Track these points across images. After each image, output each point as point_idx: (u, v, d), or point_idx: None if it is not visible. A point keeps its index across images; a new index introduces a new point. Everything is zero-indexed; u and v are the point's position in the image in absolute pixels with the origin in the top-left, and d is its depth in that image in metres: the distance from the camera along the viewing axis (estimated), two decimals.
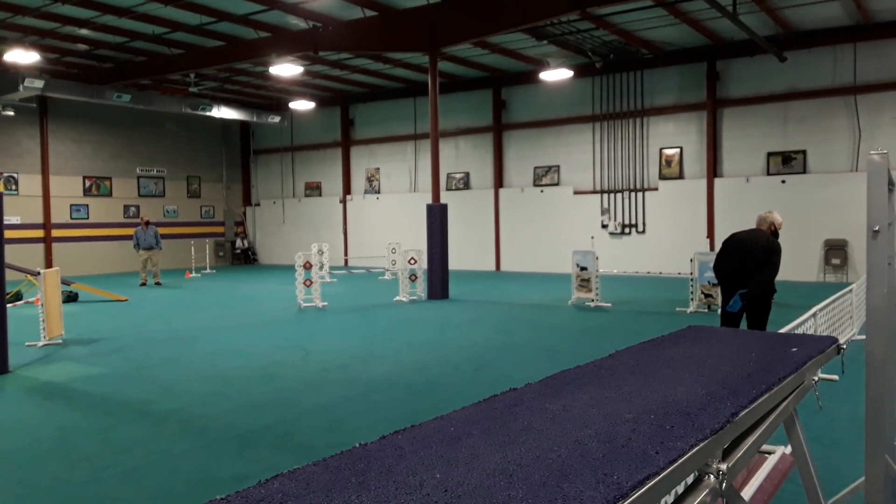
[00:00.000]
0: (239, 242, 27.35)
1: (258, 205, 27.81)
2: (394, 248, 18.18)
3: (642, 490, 1.41)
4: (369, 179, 24.82)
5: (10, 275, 9.00)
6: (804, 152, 17.27)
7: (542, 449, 1.61)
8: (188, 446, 5.27)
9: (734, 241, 6.75)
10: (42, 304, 9.64)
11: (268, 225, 27.54)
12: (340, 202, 25.39)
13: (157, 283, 18.59)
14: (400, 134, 23.80)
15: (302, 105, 22.87)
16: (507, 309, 13.02)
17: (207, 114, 22.27)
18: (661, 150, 19.21)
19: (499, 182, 21.90)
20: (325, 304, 13.42)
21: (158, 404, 6.51)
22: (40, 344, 9.48)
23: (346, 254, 24.74)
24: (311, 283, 13.40)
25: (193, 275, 21.73)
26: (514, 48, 18.14)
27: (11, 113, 20.04)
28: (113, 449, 5.25)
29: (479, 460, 1.54)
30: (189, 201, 26.07)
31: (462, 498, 1.33)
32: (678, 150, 18.98)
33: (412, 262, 14.84)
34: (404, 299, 14.23)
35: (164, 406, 6.44)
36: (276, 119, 24.36)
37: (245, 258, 27.29)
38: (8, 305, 8.55)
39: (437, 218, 14.73)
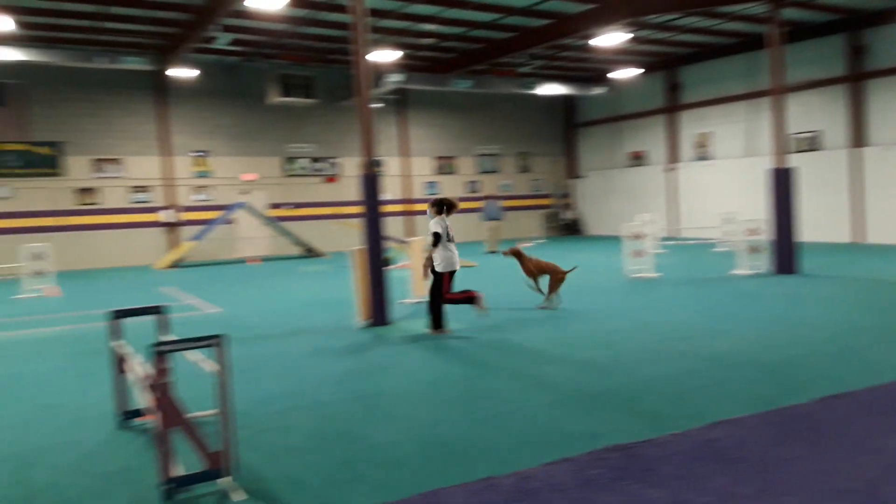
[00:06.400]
0: (566, 214, 28.24)
1: (583, 176, 28.29)
2: (729, 218, 17.02)
3: None
4: (699, 145, 23.48)
5: None
6: None
7: None
8: (542, 400, 5.68)
9: None
10: (410, 268, 11.24)
11: (592, 196, 27.87)
12: (664, 171, 24.52)
13: (494, 252, 20.22)
14: (733, 94, 22.01)
15: (625, 73, 22.51)
16: (873, 286, 11.30)
17: (533, 92, 23.26)
18: None
19: (858, 140, 18.95)
20: (658, 274, 13.17)
21: (508, 361, 7.14)
22: (410, 301, 11.06)
23: (671, 224, 23.88)
24: (643, 253, 13.26)
25: (527, 244, 23.08)
26: None
27: (382, 105, 23.36)
28: (477, 395, 5.91)
29: None
30: (520, 176, 27.73)
31: None
32: None
33: (753, 232, 13.70)
34: (743, 272, 13.26)
35: (511, 364, 7.05)
36: (600, 90, 24.40)
37: (571, 229, 28.09)
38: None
39: (783, 184, 13.34)
